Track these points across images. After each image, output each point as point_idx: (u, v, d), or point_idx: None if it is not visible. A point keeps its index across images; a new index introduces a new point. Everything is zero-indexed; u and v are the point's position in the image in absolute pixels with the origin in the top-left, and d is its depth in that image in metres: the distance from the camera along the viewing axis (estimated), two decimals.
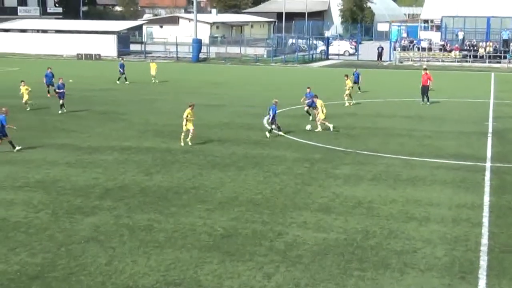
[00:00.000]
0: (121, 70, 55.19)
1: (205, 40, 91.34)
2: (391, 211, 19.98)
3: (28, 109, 39.11)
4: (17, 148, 27.89)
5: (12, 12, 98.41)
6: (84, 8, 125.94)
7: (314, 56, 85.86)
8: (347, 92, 42.52)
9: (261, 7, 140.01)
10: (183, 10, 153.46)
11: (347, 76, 43.54)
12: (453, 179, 23.97)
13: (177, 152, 28.19)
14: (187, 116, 28.85)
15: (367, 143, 30.33)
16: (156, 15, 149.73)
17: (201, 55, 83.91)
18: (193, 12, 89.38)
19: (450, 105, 44.10)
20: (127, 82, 54.70)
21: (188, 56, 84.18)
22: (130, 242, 17.14)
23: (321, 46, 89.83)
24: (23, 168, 25.04)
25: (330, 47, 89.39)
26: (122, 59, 63.50)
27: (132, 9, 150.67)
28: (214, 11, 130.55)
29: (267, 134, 31.43)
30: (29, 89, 39.62)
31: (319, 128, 32.94)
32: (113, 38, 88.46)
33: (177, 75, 65.49)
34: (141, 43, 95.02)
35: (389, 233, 17.99)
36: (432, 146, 29.96)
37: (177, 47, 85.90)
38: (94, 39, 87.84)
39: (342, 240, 17.41)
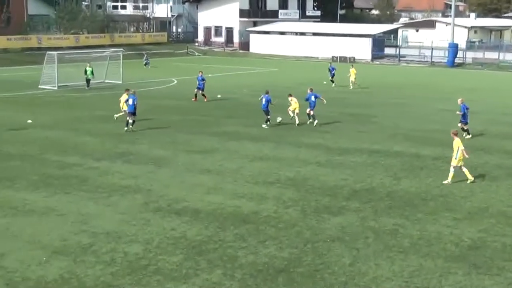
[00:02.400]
0: (332, 73, 55.54)
1: (462, 44, 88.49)
2: None
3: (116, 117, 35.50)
4: (127, 128, 32.47)
5: (273, 15, 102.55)
6: (342, 12, 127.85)
7: None
8: None
9: None
10: (440, 14, 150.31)
11: None
12: None
13: (426, 158, 27.75)
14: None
15: None
16: (412, 18, 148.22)
17: (457, 60, 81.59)
18: (450, 16, 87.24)
19: None
20: (333, 85, 54.46)
21: (443, 61, 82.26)
22: (374, 245, 17.21)
23: None
24: (275, 165, 26.10)
25: None
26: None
27: (388, 12, 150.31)
28: (472, 15, 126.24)
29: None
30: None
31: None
32: (368, 41, 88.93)
33: (430, 79, 64.36)
34: (396, 46, 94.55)
35: None
36: None
37: (432, 51, 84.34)
38: (349, 42, 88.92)
39: None
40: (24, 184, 22.93)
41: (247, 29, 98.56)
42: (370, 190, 22.69)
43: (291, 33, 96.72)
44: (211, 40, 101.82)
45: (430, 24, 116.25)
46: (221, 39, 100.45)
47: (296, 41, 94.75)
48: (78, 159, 26.89)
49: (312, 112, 35.62)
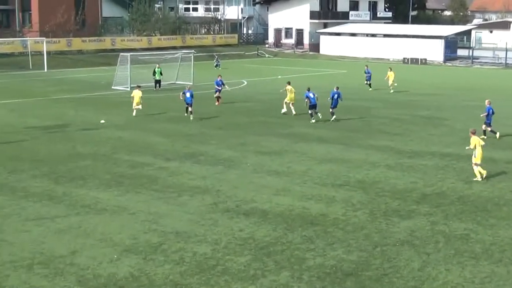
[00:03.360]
0: (368, 76, 53.46)
1: None
2: None
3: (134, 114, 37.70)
4: (192, 118, 36.27)
5: (344, 17, 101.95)
6: (413, 13, 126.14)
7: None
8: None
9: None
10: None
11: None
12: None
13: (499, 161, 27.14)
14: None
15: None
16: (486, 19, 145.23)
17: None
18: None
19: None
20: (370, 89, 52.55)
21: None
22: (445, 250, 16.92)
23: None
24: (344, 167, 25.94)
25: None
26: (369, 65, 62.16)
27: (461, 13, 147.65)
28: None
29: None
30: (141, 95, 37.91)
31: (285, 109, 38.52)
32: (440, 43, 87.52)
33: (504, 82, 62.94)
34: (469, 48, 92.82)
35: None
36: None
37: (506, 53, 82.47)
38: (421, 43, 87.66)
39: None
40: (96, 183, 23.40)
41: (317, 31, 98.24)
42: (441, 194, 22.31)
43: (362, 34, 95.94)
44: (281, 41, 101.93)
45: (505, 25, 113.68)
46: (291, 41, 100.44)
47: (367, 43, 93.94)
48: (149, 159, 27.29)
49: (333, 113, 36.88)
